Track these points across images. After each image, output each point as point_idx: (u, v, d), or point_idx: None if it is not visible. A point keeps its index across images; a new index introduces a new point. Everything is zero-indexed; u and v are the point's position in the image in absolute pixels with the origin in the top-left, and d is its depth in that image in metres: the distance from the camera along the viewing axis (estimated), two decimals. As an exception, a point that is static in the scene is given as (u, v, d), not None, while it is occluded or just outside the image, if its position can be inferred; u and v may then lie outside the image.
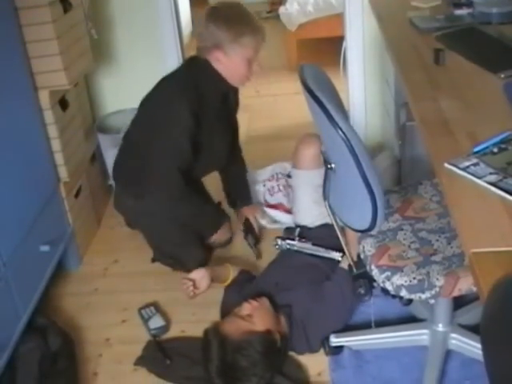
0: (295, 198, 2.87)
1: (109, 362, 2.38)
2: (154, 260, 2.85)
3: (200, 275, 2.49)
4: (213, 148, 2.63)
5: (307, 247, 2.61)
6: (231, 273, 2.60)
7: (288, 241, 2.67)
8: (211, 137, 2.60)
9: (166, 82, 2.59)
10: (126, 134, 2.77)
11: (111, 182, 3.37)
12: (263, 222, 3.00)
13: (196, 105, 2.46)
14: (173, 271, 2.77)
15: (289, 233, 2.75)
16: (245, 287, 2.51)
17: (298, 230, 2.74)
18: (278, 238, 2.72)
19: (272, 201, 3.06)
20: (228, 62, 2.46)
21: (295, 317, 2.30)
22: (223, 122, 2.71)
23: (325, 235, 2.58)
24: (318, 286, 2.36)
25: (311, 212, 2.75)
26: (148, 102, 2.62)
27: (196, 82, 2.50)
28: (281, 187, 3.04)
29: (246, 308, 2.25)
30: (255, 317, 2.22)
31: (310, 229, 2.74)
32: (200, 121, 2.49)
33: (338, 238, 2.23)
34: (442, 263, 1.81)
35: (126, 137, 2.77)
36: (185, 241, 2.73)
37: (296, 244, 2.64)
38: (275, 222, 3.02)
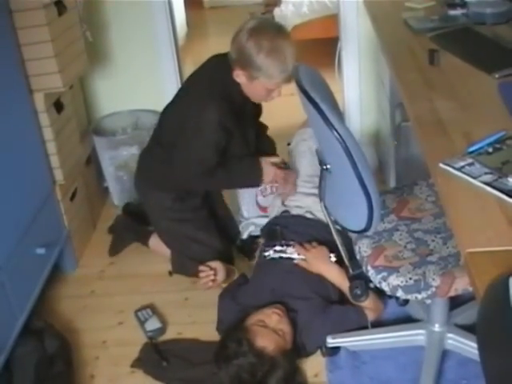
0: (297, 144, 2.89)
1: (105, 364, 2.37)
2: (171, 273, 2.76)
3: (219, 265, 2.45)
4: (247, 136, 2.58)
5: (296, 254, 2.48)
6: (236, 275, 2.57)
7: (277, 247, 2.51)
8: (244, 127, 2.54)
9: (195, 84, 2.50)
10: (157, 134, 2.68)
11: (107, 184, 3.37)
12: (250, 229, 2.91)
13: (226, 107, 2.37)
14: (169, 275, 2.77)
15: (269, 236, 2.62)
16: (238, 293, 2.45)
17: (278, 228, 2.59)
18: (265, 247, 2.56)
19: (263, 202, 3.01)
20: (246, 83, 2.35)
21: (298, 324, 2.29)
22: (251, 109, 2.61)
23: (305, 231, 2.55)
24: (323, 302, 2.33)
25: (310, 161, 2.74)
26: (178, 104, 2.54)
27: (223, 85, 2.39)
28: (273, 188, 3.01)
29: (277, 321, 2.22)
30: (287, 334, 2.21)
31: (287, 226, 2.59)
32: (231, 120, 2.41)
33: (317, 230, 2.37)
34: (438, 263, 1.82)
35: (156, 137, 2.67)
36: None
37: (285, 250, 2.49)
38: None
